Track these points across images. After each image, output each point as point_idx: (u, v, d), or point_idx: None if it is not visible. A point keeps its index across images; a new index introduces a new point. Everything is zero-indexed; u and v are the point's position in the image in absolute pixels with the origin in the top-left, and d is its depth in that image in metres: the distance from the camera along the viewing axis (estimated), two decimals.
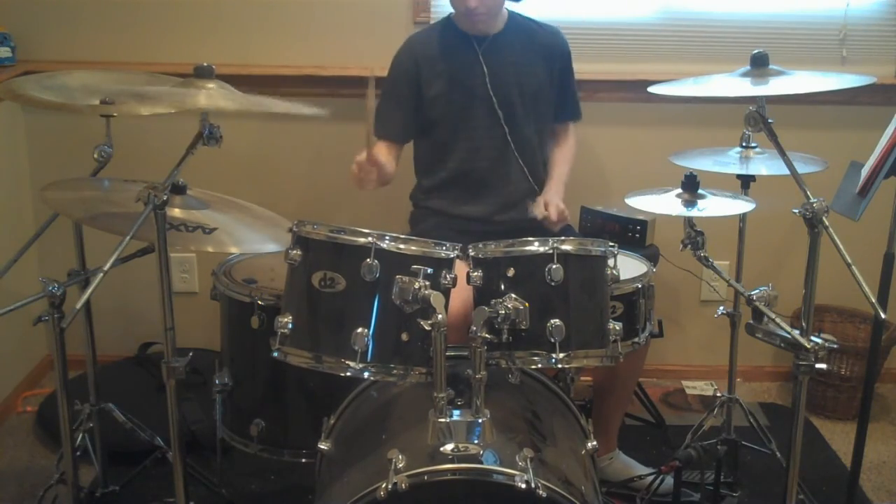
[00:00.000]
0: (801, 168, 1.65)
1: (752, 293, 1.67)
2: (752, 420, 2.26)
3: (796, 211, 1.60)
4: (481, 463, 1.46)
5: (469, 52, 2.35)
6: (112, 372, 2.74)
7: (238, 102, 1.64)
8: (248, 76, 2.68)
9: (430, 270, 1.56)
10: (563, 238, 1.63)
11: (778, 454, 2.25)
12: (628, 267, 2.14)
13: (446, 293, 1.59)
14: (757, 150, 2.10)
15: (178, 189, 1.79)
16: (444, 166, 2.41)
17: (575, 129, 2.56)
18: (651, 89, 1.97)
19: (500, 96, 2.34)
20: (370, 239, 1.56)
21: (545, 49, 2.41)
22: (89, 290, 1.44)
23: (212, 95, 1.61)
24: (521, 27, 2.41)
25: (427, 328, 1.50)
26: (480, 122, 2.36)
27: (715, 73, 1.96)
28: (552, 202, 2.26)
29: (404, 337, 1.57)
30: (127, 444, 2.20)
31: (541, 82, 2.41)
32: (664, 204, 1.89)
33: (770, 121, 1.69)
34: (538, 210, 2.26)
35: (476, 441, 1.49)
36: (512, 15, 2.40)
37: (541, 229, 2.26)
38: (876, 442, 2.71)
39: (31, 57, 2.80)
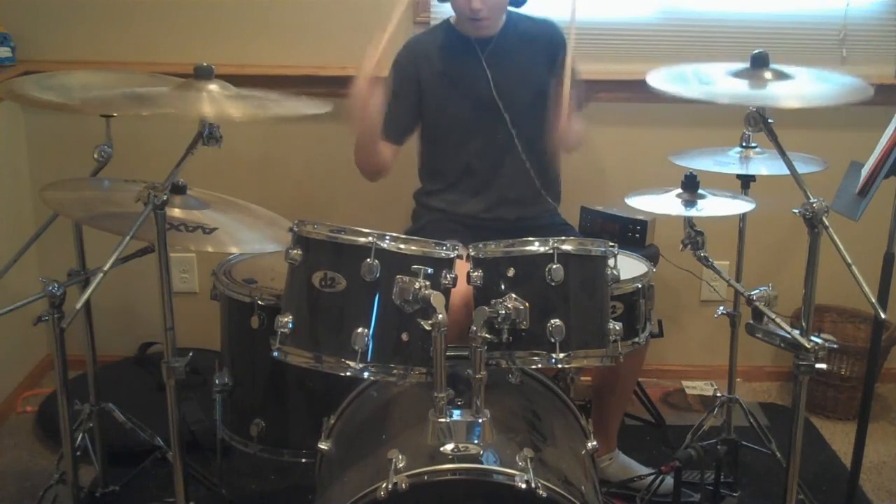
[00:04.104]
0: (801, 168, 1.65)
1: (752, 293, 1.67)
2: (752, 420, 2.26)
3: (796, 211, 1.60)
4: (481, 463, 1.46)
5: (472, 57, 2.34)
6: (112, 372, 2.74)
7: (243, 110, 1.63)
8: (247, 76, 2.67)
9: (430, 270, 1.56)
10: (563, 238, 1.63)
11: (778, 454, 2.25)
12: (628, 267, 2.14)
13: (446, 293, 1.59)
14: (757, 150, 2.10)
15: (178, 189, 1.79)
16: (449, 170, 2.41)
17: None
18: (648, 79, 1.94)
19: (505, 100, 2.34)
20: (370, 239, 1.56)
21: (545, 44, 2.41)
22: (89, 290, 1.44)
23: (216, 101, 1.60)
24: (519, 25, 2.41)
25: (427, 328, 1.50)
26: (486, 126, 2.36)
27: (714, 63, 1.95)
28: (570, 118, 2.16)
29: (404, 337, 1.57)
30: (127, 444, 2.20)
31: (544, 79, 2.41)
32: (664, 204, 1.89)
33: (770, 121, 1.69)
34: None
35: (476, 441, 1.49)
36: (507, 14, 2.40)
37: (541, 228, 2.26)
38: (876, 442, 2.71)
39: (31, 57, 2.80)
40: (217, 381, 2.00)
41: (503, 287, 1.61)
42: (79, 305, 1.50)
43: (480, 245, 1.65)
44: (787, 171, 1.64)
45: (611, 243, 1.70)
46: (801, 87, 1.79)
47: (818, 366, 1.58)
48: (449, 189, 2.43)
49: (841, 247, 1.55)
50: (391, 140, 2.34)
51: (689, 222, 1.82)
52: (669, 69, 1.92)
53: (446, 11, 2.49)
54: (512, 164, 2.39)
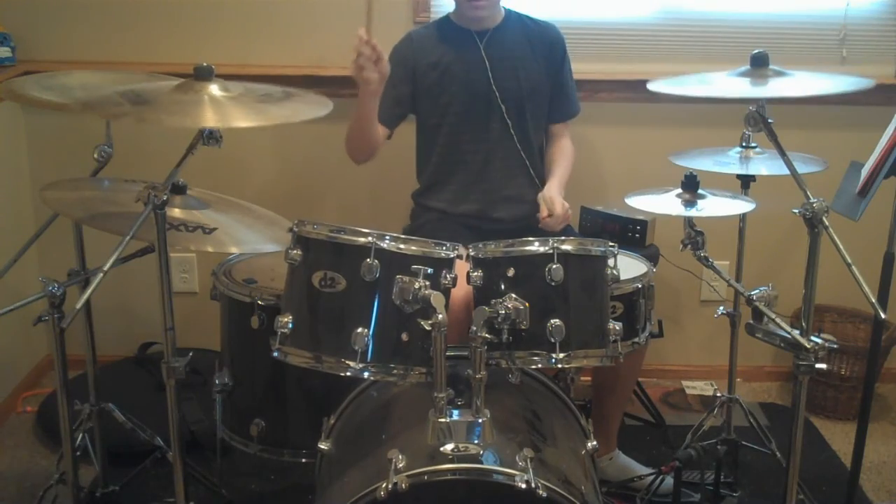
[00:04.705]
0: (801, 168, 1.65)
1: (752, 293, 1.67)
2: (752, 420, 2.26)
3: (796, 211, 1.60)
4: (481, 463, 1.46)
5: (471, 46, 2.35)
6: (112, 372, 2.74)
7: (246, 117, 1.62)
8: (248, 76, 2.66)
9: (430, 270, 1.56)
10: (563, 238, 1.63)
11: (778, 454, 2.25)
12: (628, 267, 2.14)
13: (446, 293, 1.59)
14: (757, 150, 2.10)
15: (178, 189, 1.79)
16: (444, 163, 2.42)
17: (571, 131, 2.56)
18: (650, 86, 1.96)
19: (502, 90, 2.35)
20: (370, 239, 1.56)
21: (544, 44, 2.43)
22: (89, 290, 1.44)
23: (220, 107, 1.58)
24: (518, 23, 2.43)
25: (427, 328, 1.50)
26: (481, 117, 2.37)
27: (715, 72, 1.96)
28: (557, 200, 2.26)
29: (404, 337, 1.57)
30: (127, 444, 2.20)
31: (540, 77, 2.42)
32: (664, 204, 1.89)
33: (770, 121, 1.69)
34: (543, 208, 2.25)
35: (476, 441, 1.49)
36: (508, 11, 2.41)
37: (540, 229, 2.27)
38: (876, 442, 2.71)
39: (31, 57, 2.80)
40: (217, 381, 2.00)
41: (503, 287, 1.61)
42: (79, 305, 1.50)
43: (480, 245, 1.65)
44: (787, 171, 1.64)
45: (611, 243, 1.70)
46: (802, 82, 1.80)
47: (818, 366, 1.58)
48: (445, 185, 2.43)
49: (841, 247, 1.55)
50: (381, 121, 2.34)
51: (689, 222, 1.81)
52: (670, 81, 1.93)
53: (446, 10, 2.49)
54: (505, 157, 2.40)
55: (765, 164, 2.06)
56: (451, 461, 1.46)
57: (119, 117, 1.71)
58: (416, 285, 1.53)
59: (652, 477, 2.27)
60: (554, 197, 2.27)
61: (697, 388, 3.06)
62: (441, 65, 2.36)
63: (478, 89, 2.35)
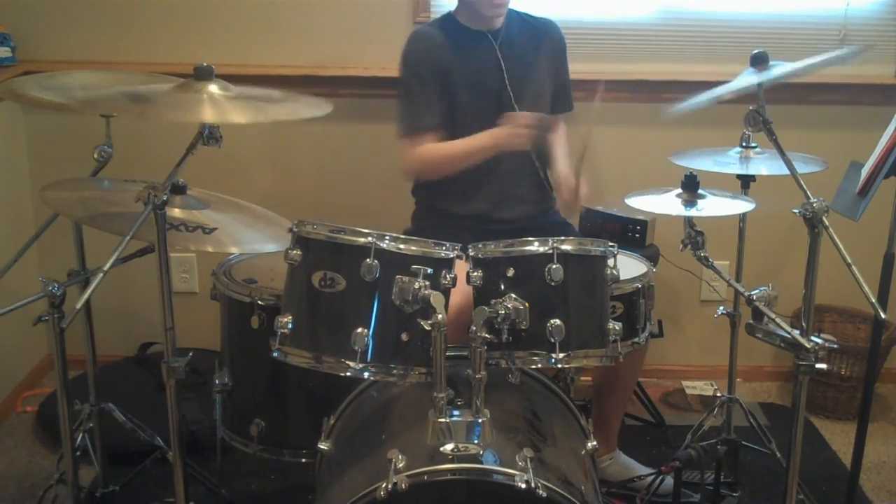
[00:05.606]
0: (801, 168, 1.65)
1: (752, 293, 1.67)
2: (752, 420, 2.26)
3: (796, 211, 1.60)
4: (481, 463, 1.46)
5: (485, 47, 2.35)
6: (112, 372, 2.74)
7: (244, 113, 1.62)
8: (248, 76, 2.66)
9: (429, 270, 1.56)
10: (562, 238, 1.63)
11: (778, 454, 2.25)
12: (628, 267, 2.14)
13: (446, 293, 1.59)
14: (757, 150, 2.10)
15: (178, 189, 1.79)
16: None
17: (570, 132, 2.57)
18: (663, 115, 1.96)
19: (516, 91, 2.35)
20: (370, 239, 1.56)
21: (547, 42, 2.43)
22: (89, 290, 1.44)
23: (217, 104, 1.59)
24: (521, 21, 2.42)
25: (427, 328, 1.50)
26: (493, 117, 2.36)
27: (717, 79, 1.95)
28: (582, 182, 2.27)
29: (404, 337, 1.57)
30: (127, 444, 2.20)
31: (544, 75, 2.42)
32: (664, 204, 1.89)
33: (770, 121, 1.69)
34: (562, 190, 2.30)
35: (476, 441, 1.49)
36: (508, 10, 2.41)
37: (543, 229, 2.27)
38: (876, 442, 2.71)
39: (31, 57, 2.80)
40: (217, 381, 2.00)
41: (503, 287, 1.61)
42: (79, 305, 1.50)
43: (480, 245, 1.65)
44: (787, 171, 1.64)
45: (610, 243, 1.70)
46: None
47: (818, 366, 1.58)
48: (451, 183, 2.41)
49: (841, 247, 1.55)
50: (439, 127, 2.32)
51: (689, 222, 1.81)
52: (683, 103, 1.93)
53: (446, 10, 2.49)
54: (514, 157, 2.39)
55: (765, 164, 2.06)
56: (451, 461, 1.46)
57: (119, 112, 1.71)
58: (416, 285, 1.53)
59: (652, 477, 2.27)
60: (570, 177, 2.29)
61: (697, 388, 3.06)
62: (454, 66, 2.34)
63: (492, 90, 2.35)
